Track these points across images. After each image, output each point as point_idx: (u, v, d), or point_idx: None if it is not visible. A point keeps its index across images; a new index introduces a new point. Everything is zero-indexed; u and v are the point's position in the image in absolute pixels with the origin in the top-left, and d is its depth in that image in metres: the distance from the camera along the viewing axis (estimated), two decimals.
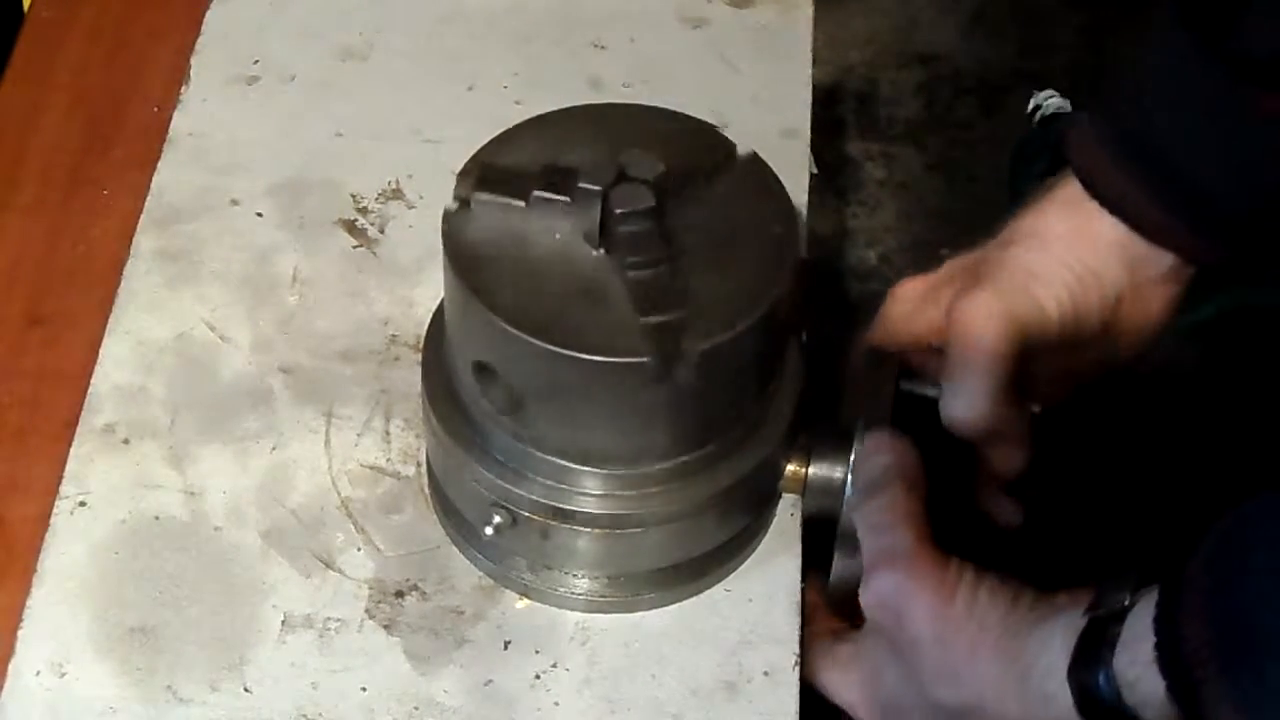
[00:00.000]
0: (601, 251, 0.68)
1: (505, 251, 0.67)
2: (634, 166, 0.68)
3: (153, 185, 0.91)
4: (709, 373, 0.66)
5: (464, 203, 0.68)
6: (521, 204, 0.68)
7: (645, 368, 0.65)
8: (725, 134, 0.74)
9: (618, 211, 0.66)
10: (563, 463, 0.70)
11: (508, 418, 0.70)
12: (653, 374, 0.65)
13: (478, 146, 0.72)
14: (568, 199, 0.67)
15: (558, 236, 0.68)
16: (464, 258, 0.67)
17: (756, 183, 0.72)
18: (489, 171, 0.69)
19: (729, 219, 0.70)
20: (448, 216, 0.68)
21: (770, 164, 0.72)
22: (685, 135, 0.73)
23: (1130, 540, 1.61)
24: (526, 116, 0.74)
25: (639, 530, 0.72)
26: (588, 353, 0.65)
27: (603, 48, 0.99)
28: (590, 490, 0.71)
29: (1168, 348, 1.73)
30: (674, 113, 0.75)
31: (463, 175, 0.69)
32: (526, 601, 0.76)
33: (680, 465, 0.71)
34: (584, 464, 0.70)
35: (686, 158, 0.70)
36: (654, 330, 0.65)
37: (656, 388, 0.66)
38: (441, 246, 0.68)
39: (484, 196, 0.68)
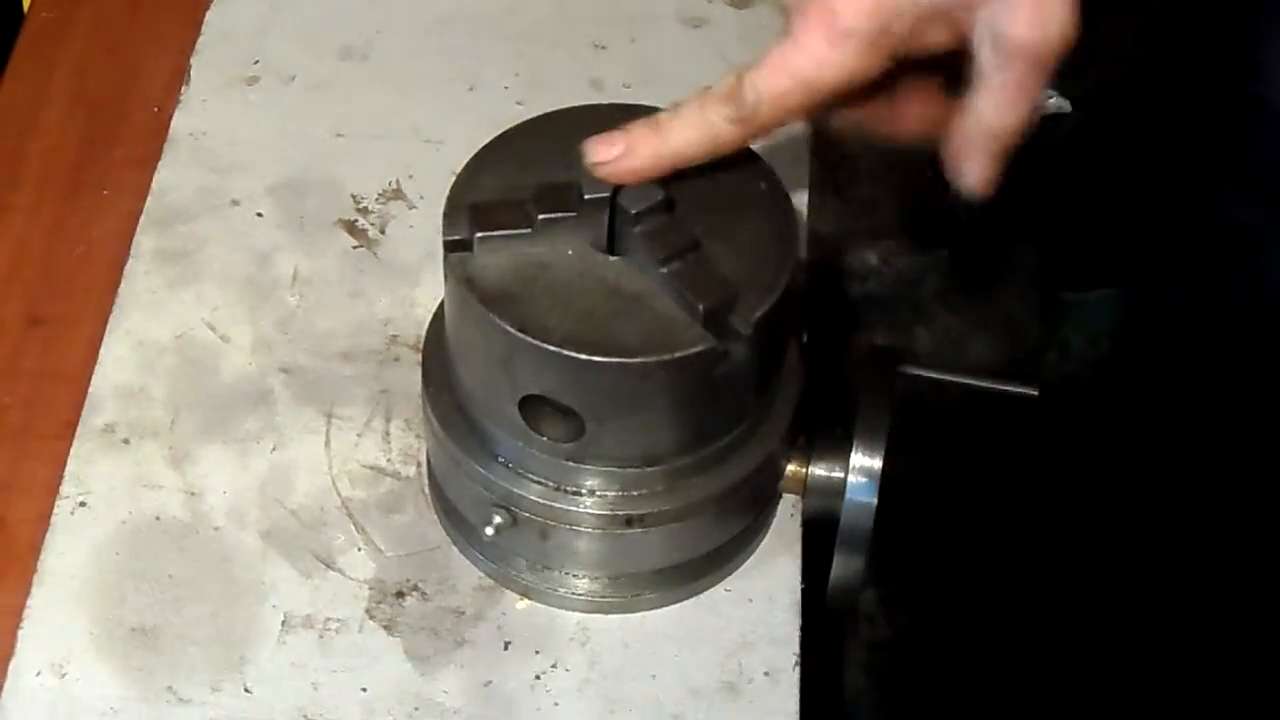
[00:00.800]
0: (618, 256, 0.68)
1: (528, 283, 0.67)
2: None
3: (153, 185, 0.91)
4: (758, 344, 0.67)
5: (463, 244, 0.67)
6: (527, 231, 0.68)
7: (708, 355, 0.65)
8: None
9: (633, 212, 0.66)
10: (563, 462, 0.70)
11: (565, 444, 0.69)
12: (715, 359, 0.66)
13: (478, 146, 0.72)
14: (573, 213, 0.67)
15: (570, 253, 0.68)
16: (493, 298, 0.66)
17: None
18: (480, 208, 0.68)
19: (714, 190, 0.70)
20: (455, 263, 0.67)
21: (770, 164, 0.72)
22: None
23: (1128, 537, 1.62)
24: (526, 117, 0.73)
25: (639, 530, 0.72)
26: (654, 354, 0.65)
27: (603, 48, 0.99)
28: (590, 490, 0.71)
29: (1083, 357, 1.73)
30: (615, 106, 0.75)
31: (450, 218, 0.68)
32: (526, 602, 0.76)
33: (681, 465, 0.71)
34: (586, 464, 0.70)
35: None
36: (709, 315, 0.65)
37: (713, 373, 0.66)
38: (455, 293, 0.68)
39: (485, 234, 0.68)
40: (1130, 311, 1.73)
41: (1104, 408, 1.73)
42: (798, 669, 0.74)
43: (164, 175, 0.92)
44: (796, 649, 0.75)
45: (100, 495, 0.79)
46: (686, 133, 0.68)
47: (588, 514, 0.71)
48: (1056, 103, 1.90)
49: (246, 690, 0.73)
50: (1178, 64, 1.59)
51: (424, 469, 0.80)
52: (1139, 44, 1.69)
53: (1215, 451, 1.65)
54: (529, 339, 0.65)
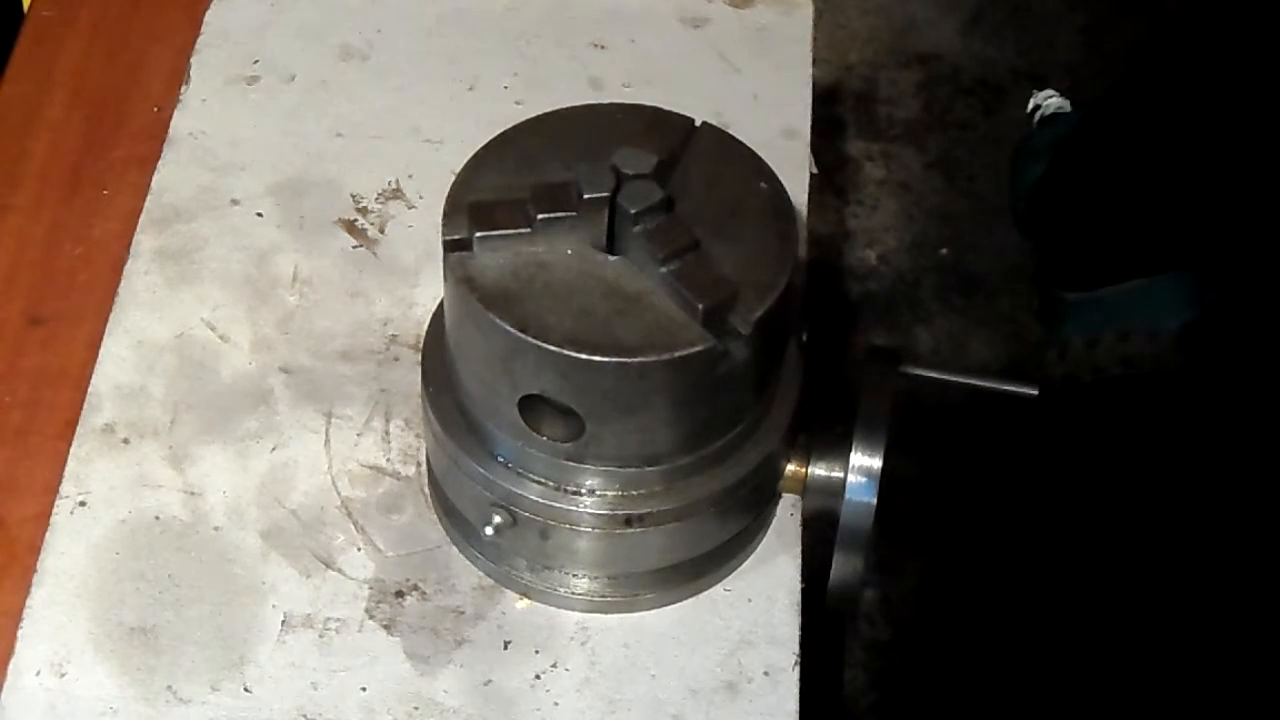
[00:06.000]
0: (617, 256, 0.68)
1: (527, 283, 0.67)
2: (629, 164, 0.68)
3: (153, 185, 0.91)
4: (757, 343, 0.67)
5: (463, 244, 0.67)
6: (526, 230, 0.68)
7: (708, 354, 0.65)
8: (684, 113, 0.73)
9: (632, 211, 0.66)
10: (563, 462, 0.70)
11: (565, 444, 0.69)
12: (714, 358, 0.66)
13: (478, 146, 0.72)
14: (573, 213, 0.67)
15: (569, 252, 0.68)
16: (493, 298, 0.66)
17: (723, 149, 0.72)
18: (480, 207, 0.68)
19: (714, 189, 0.70)
20: (455, 262, 0.67)
21: (770, 164, 0.72)
22: (642, 123, 0.73)
23: (1128, 537, 1.62)
24: (526, 116, 0.73)
25: (639, 530, 0.72)
26: (654, 354, 0.65)
27: (603, 48, 0.99)
28: (591, 490, 0.71)
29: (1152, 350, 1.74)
30: (615, 106, 0.75)
31: (449, 218, 0.68)
32: (526, 601, 0.76)
33: (680, 465, 0.71)
34: (586, 463, 0.70)
35: (657, 143, 0.70)
36: (708, 315, 0.65)
37: (713, 373, 0.66)
38: (455, 293, 0.68)
39: (485, 234, 0.67)
40: (1133, 311, 1.74)
41: (1103, 407, 1.72)
42: (797, 669, 0.74)
43: (164, 175, 0.92)
44: (796, 649, 0.75)
45: (100, 495, 0.79)
46: None
47: (587, 514, 0.71)
48: (1057, 103, 1.90)
49: (246, 690, 0.73)
50: (1199, 61, 1.59)
51: (424, 469, 0.80)
52: (1150, 43, 1.69)
53: (1216, 450, 1.65)
54: (529, 339, 0.65)
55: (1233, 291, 1.68)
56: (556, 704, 0.73)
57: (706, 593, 0.77)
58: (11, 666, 0.73)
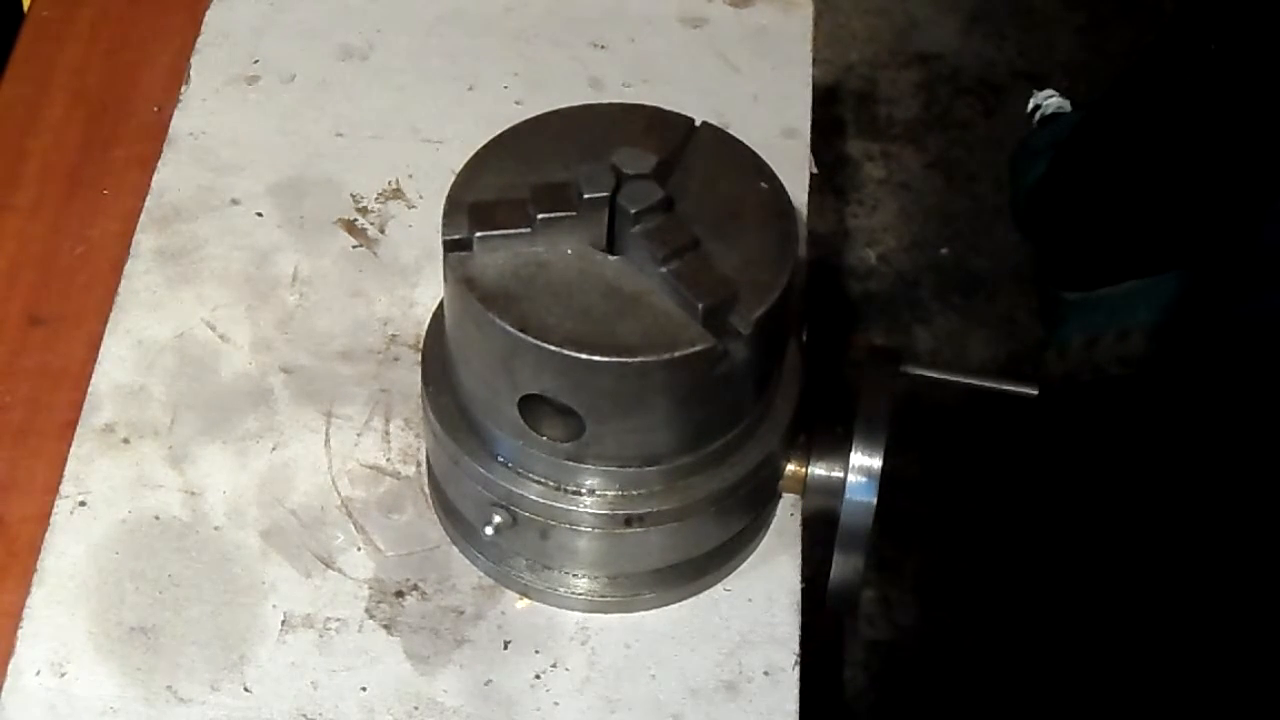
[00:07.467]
0: (617, 255, 0.68)
1: (527, 282, 0.67)
2: (629, 164, 0.68)
3: (153, 185, 0.91)
4: (758, 343, 0.67)
5: (463, 244, 0.67)
6: (526, 230, 0.68)
7: (708, 354, 0.65)
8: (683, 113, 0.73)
9: (632, 211, 0.66)
10: (563, 462, 0.70)
11: (565, 444, 0.69)
12: (714, 358, 0.66)
13: (478, 146, 0.72)
14: (572, 213, 0.67)
15: (569, 252, 0.68)
16: (493, 298, 0.66)
17: (723, 149, 0.72)
18: (480, 207, 0.68)
19: (714, 189, 0.70)
20: (455, 262, 0.67)
21: (770, 164, 0.72)
22: (642, 123, 0.73)
23: (1128, 537, 1.62)
24: (526, 116, 0.74)
25: (639, 530, 0.72)
26: (654, 354, 0.65)
27: (603, 48, 0.99)
28: (590, 490, 0.71)
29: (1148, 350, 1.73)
30: (615, 106, 0.75)
31: (449, 218, 0.68)
32: (526, 601, 0.76)
33: (680, 465, 0.71)
34: (586, 463, 0.70)
35: (657, 143, 0.70)
36: (708, 314, 0.65)
37: (713, 372, 0.66)
38: (455, 293, 0.68)
39: (485, 234, 0.68)
40: (1133, 311, 1.74)
41: (1103, 407, 1.72)
42: (797, 669, 0.74)
43: (164, 175, 0.92)
44: (796, 648, 0.75)
45: (100, 495, 0.79)
46: None
47: (587, 514, 0.71)
48: (1057, 103, 1.90)
49: (246, 690, 0.73)
50: (1199, 61, 1.59)
51: (424, 468, 0.80)
52: (1150, 43, 1.69)
53: (1215, 450, 1.65)
54: (529, 339, 0.65)
55: (1231, 291, 1.68)
56: (556, 704, 0.73)
57: (706, 593, 0.77)
58: (11, 666, 0.73)
